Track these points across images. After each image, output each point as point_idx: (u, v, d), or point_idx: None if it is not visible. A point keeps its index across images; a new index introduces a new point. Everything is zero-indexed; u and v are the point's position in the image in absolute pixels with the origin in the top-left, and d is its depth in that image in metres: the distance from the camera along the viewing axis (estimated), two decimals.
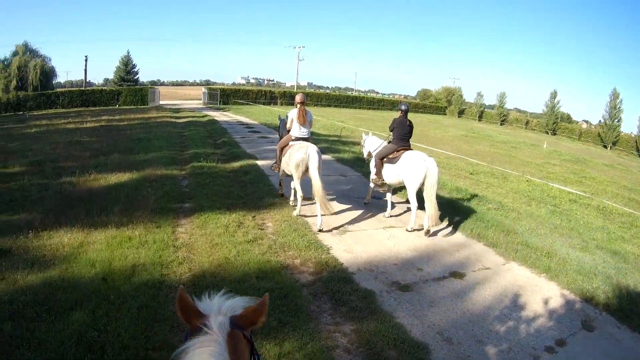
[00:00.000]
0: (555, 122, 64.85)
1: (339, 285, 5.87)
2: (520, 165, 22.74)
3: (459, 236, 8.48)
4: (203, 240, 6.95)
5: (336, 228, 8.22)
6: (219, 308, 1.65)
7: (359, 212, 9.40)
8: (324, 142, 19.21)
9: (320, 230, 7.87)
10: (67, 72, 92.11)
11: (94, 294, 4.98)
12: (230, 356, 1.49)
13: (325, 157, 15.52)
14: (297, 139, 8.60)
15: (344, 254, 7.06)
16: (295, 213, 8.53)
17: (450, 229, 8.86)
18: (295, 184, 8.40)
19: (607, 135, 56.33)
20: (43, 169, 11.40)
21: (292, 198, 9.30)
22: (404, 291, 6.01)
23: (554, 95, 66.44)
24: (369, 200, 9.95)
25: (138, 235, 6.77)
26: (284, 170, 8.94)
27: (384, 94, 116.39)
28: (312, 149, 8.02)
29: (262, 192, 10.03)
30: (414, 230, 8.40)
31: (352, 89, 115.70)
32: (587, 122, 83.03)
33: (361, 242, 7.67)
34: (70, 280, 5.29)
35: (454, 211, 9.77)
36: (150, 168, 11.42)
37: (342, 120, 35.16)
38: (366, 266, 6.71)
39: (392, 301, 5.68)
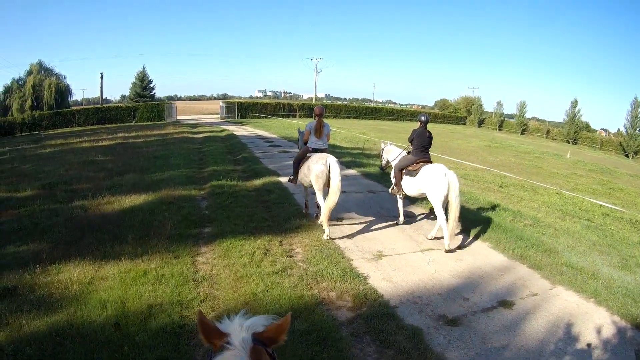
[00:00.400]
0: (576, 132, 64.12)
1: (382, 323, 5.19)
2: (547, 176, 22.01)
3: (500, 258, 7.79)
4: (227, 273, 6.26)
5: (374, 255, 7.48)
6: (240, 326, 1.66)
7: (392, 232, 8.76)
8: (347, 156, 18.59)
9: (330, 239, 7.87)
10: (83, 89, 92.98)
11: (105, 345, 4.33)
12: None
13: (350, 171, 15.32)
14: (314, 150, 8.48)
15: (383, 284, 6.35)
16: (325, 236, 7.95)
17: (489, 247, 8.29)
18: (318, 197, 8.22)
19: (629, 144, 55.60)
20: (55, 192, 10.79)
21: (304, 209, 9.57)
22: (452, 326, 5.34)
23: (574, 104, 65.60)
24: (402, 221, 9.34)
25: (154, 269, 6.09)
26: (303, 184, 8.83)
27: (402, 105, 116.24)
28: (331, 159, 7.92)
29: (288, 213, 9.30)
30: (435, 238, 8.40)
31: (370, 100, 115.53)
32: (605, 130, 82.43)
33: (400, 269, 6.95)
34: (79, 327, 4.64)
35: (491, 228, 9.15)
36: (167, 188, 10.78)
37: (362, 132, 34.47)
38: (409, 297, 6.02)
39: (441, 339, 5.03)
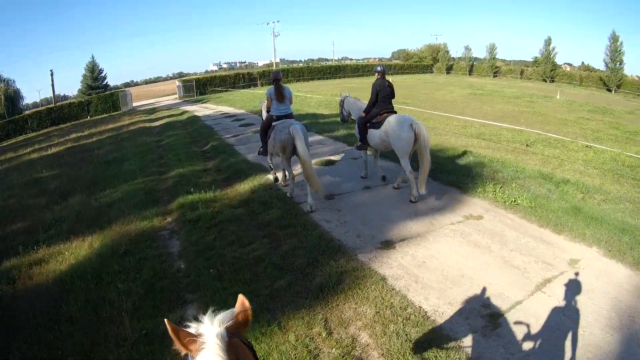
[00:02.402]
0: (553, 70, 61.65)
1: None
2: (558, 124, 19.33)
3: (623, 271, 5.14)
4: None
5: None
6: (212, 323, 1.60)
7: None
8: (334, 125, 15.36)
9: (310, 211, 7.32)
10: (39, 90, 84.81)
11: None
12: None
13: (344, 146, 12.16)
14: (279, 117, 7.99)
15: None
16: (288, 193, 8.11)
17: (609, 260, 5.52)
18: (285, 165, 7.96)
19: (611, 78, 54.05)
20: None
21: (281, 178, 9.12)
22: None
23: (548, 42, 62.81)
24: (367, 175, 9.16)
25: None
26: (272, 153, 8.35)
27: (359, 60, 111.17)
28: (295, 126, 7.37)
29: (310, 247, 5.96)
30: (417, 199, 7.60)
31: (327, 60, 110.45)
32: (569, 64, 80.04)
33: None
34: None
35: (580, 221, 6.57)
36: (119, 221, 7.40)
37: (334, 93, 30.40)
38: None
39: None
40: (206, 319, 1.62)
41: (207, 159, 12.17)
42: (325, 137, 13.74)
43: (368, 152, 8.94)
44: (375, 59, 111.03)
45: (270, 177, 9.20)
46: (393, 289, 4.80)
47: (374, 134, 8.11)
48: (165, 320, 1.61)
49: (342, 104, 9.55)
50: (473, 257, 5.53)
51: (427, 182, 7.47)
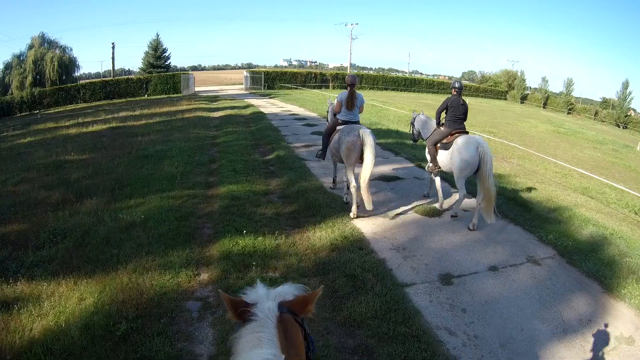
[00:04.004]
0: (627, 115, 59.91)
1: None
2: None
3: None
4: None
5: None
6: (267, 295, 1.65)
7: None
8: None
9: (352, 218, 7.16)
10: (101, 62, 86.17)
11: None
12: (281, 341, 1.50)
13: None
14: (344, 122, 7.65)
15: None
16: (351, 214, 7.29)
17: None
18: (348, 174, 7.39)
19: None
20: None
21: (345, 192, 8.23)
22: None
23: (626, 85, 61.60)
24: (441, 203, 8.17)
25: None
26: (332, 159, 8.27)
27: (428, 75, 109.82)
28: (364, 130, 7.15)
29: None
30: (444, 210, 7.80)
31: (397, 70, 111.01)
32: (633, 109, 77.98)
33: None
34: None
35: None
36: (132, 263, 5.23)
37: (412, 108, 27.63)
38: None
39: None
40: (262, 289, 1.68)
41: (270, 174, 9.84)
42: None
43: (433, 175, 8.40)
44: (444, 76, 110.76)
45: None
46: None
47: (443, 156, 7.78)
48: (220, 291, 1.74)
49: (413, 122, 9.19)
50: None
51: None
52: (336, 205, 7.75)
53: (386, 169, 10.65)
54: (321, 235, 6.40)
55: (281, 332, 1.51)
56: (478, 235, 6.95)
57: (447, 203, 8.25)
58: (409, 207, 8.07)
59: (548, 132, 29.83)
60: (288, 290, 1.70)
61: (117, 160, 11.37)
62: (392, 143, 14.19)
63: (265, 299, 1.61)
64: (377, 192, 8.75)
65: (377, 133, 15.70)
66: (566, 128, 34.61)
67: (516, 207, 8.53)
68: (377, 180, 9.51)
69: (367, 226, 6.97)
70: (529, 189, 10.47)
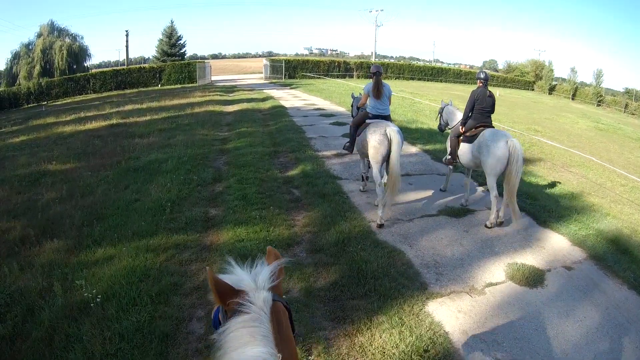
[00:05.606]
0: None
1: None
2: None
3: None
4: None
5: None
6: (255, 282, 1.49)
7: None
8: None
9: (380, 226, 6.41)
10: (118, 50, 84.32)
11: None
12: (276, 337, 1.37)
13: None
14: (374, 117, 7.11)
15: None
16: (378, 220, 6.45)
17: None
18: (374, 171, 6.78)
19: None
20: None
21: (362, 185, 8.01)
22: None
23: None
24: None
25: None
26: (360, 154, 7.60)
27: (449, 64, 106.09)
28: (392, 128, 6.60)
29: None
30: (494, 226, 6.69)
31: (418, 59, 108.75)
32: None
33: None
34: None
35: None
36: None
37: (443, 99, 24.76)
38: None
39: None
40: (246, 275, 1.52)
41: (295, 203, 7.25)
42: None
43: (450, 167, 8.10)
44: (465, 65, 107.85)
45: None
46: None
47: (465, 149, 7.25)
48: (207, 268, 1.63)
49: (441, 111, 8.61)
50: None
51: None
52: (397, 265, 5.14)
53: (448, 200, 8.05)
54: (384, 343, 3.79)
55: (275, 326, 1.38)
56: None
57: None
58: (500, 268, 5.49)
59: (590, 129, 27.05)
60: (268, 273, 1.50)
61: (102, 173, 9.31)
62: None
63: (254, 286, 1.45)
64: (458, 247, 6.21)
65: (420, 136, 13.16)
66: (605, 124, 31.85)
67: (617, 254, 6.17)
68: (445, 219, 7.03)
69: (448, 315, 4.35)
70: (613, 217, 8.20)
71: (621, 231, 7.28)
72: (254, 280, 1.47)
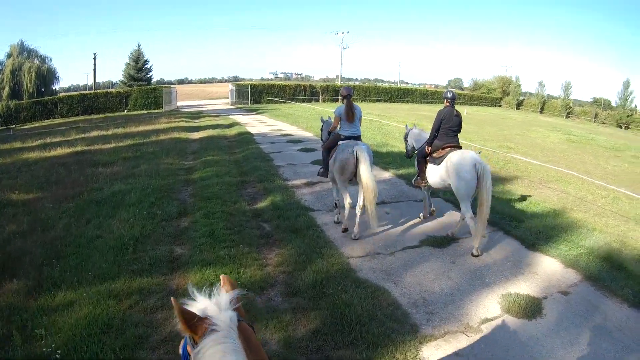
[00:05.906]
0: (629, 115, 57.03)
1: None
2: None
3: None
4: None
5: None
6: (219, 305, 1.53)
7: None
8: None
9: (345, 230, 6.89)
10: (86, 73, 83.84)
11: None
12: (246, 351, 1.43)
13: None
14: (347, 137, 7.14)
15: None
16: (352, 235, 6.81)
17: None
18: (340, 189, 7.03)
19: None
20: None
21: (335, 213, 7.69)
22: None
23: (626, 85, 60.06)
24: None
25: None
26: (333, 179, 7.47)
27: (414, 84, 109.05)
28: (360, 146, 6.71)
29: None
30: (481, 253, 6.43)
31: (383, 81, 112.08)
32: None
33: None
34: None
35: None
36: None
37: (412, 121, 24.75)
38: None
39: None
40: (208, 300, 1.56)
41: (265, 239, 6.76)
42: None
43: (423, 188, 7.85)
44: (431, 85, 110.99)
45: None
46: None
47: (433, 170, 7.16)
48: (172, 298, 1.54)
49: (406, 137, 8.64)
50: None
51: None
52: (382, 307, 4.72)
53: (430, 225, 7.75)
54: None
55: (244, 342, 1.44)
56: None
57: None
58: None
59: (562, 141, 27.49)
60: (227, 298, 1.54)
61: (64, 205, 8.74)
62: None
63: (217, 309, 1.49)
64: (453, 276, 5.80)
65: (392, 160, 13.03)
66: (576, 135, 32.57)
67: (612, 271, 6.08)
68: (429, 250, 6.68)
69: None
70: (600, 231, 8.08)
71: (610, 245, 7.13)
72: (216, 304, 1.51)
